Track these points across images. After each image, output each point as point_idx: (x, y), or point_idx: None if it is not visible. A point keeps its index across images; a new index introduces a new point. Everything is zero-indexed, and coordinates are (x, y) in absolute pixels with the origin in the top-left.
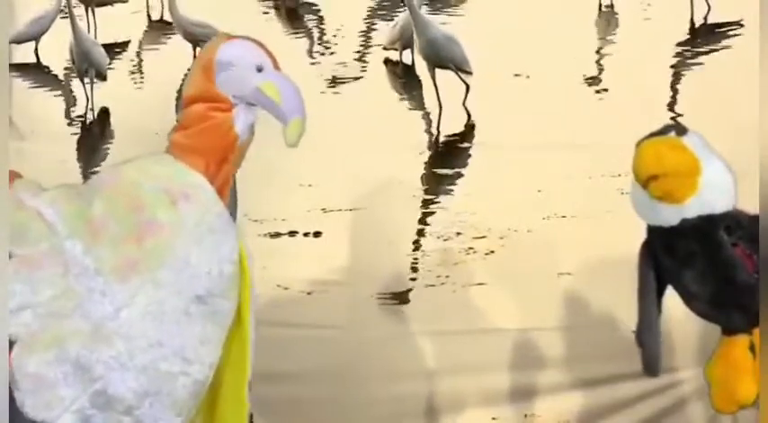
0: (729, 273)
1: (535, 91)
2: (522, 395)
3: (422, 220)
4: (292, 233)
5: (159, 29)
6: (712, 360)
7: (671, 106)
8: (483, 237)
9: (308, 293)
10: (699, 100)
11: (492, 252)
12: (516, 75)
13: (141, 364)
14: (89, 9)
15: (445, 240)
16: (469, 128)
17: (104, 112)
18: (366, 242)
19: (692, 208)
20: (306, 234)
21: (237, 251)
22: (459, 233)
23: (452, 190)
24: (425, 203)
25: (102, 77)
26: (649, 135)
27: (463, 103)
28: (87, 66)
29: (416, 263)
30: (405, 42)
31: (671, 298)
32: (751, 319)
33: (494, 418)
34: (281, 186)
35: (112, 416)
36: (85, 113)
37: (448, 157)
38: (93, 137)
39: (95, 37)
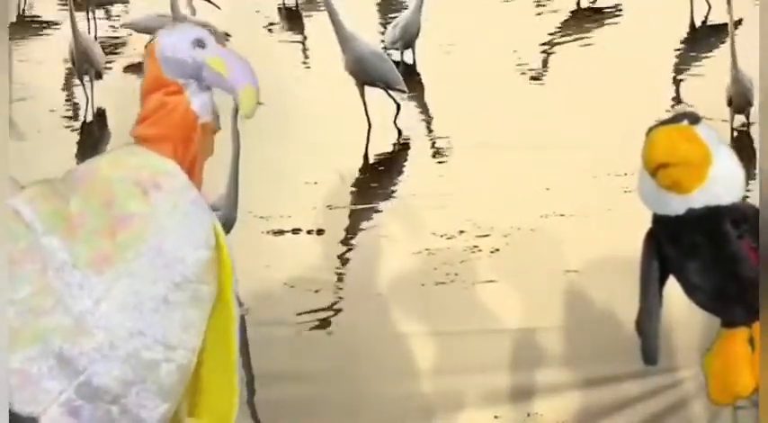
0: (734, 266)
1: (538, 90)
2: (525, 394)
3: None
4: (296, 231)
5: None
6: (711, 352)
7: (674, 104)
8: (487, 235)
9: (316, 292)
10: (700, 99)
11: (497, 250)
12: (522, 73)
13: (124, 353)
14: (89, 9)
15: (449, 239)
16: (401, 146)
17: (103, 112)
18: (369, 241)
19: (699, 198)
20: (309, 231)
21: (213, 235)
22: (462, 231)
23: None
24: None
25: (101, 76)
26: (662, 122)
27: (394, 122)
28: (87, 66)
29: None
30: (406, 43)
31: (672, 296)
32: (752, 313)
33: (496, 417)
34: (287, 184)
35: (100, 406)
36: (85, 113)
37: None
38: (93, 136)
39: (95, 37)
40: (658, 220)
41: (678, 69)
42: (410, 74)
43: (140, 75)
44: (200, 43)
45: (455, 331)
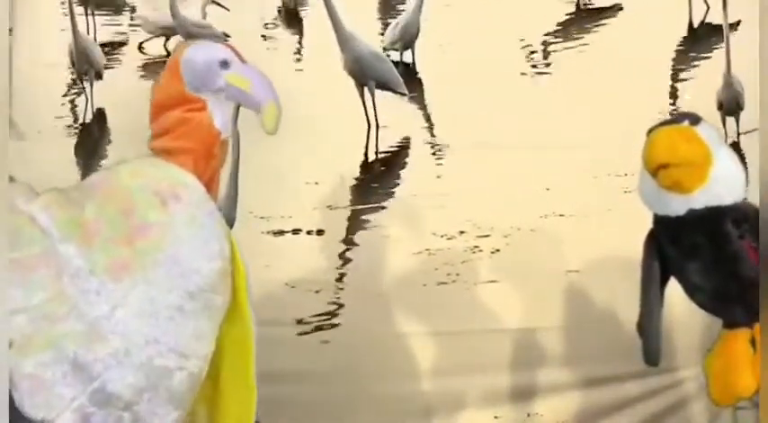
0: (734, 266)
1: (538, 90)
2: (525, 394)
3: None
4: (296, 231)
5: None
6: (712, 352)
7: (672, 104)
8: (487, 235)
9: (316, 292)
10: (700, 99)
11: (497, 250)
12: (522, 73)
13: (138, 360)
14: (88, 10)
15: (449, 239)
16: (401, 146)
17: (103, 112)
18: (370, 241)
19: (700, 198)
20: (309, 232)
21: (228, 247)
22: (462, 232)
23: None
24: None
25: (101, 76)
26: (662, 123)
27: (378, 132)
28: (87, 66)
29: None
30: (405, 43)
31: (673, 297)
32: (753, 314)
33: (496, 417)
34: (287, 184)
35: (112, 412)
36: (85, 113)
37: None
38: (93, 136)
39: (95, 38)
40: (659, 221)
41: (677, 69)
42: (410, 74)
43: (139, 76)
44: (225, 64)
45: (456, 331)
